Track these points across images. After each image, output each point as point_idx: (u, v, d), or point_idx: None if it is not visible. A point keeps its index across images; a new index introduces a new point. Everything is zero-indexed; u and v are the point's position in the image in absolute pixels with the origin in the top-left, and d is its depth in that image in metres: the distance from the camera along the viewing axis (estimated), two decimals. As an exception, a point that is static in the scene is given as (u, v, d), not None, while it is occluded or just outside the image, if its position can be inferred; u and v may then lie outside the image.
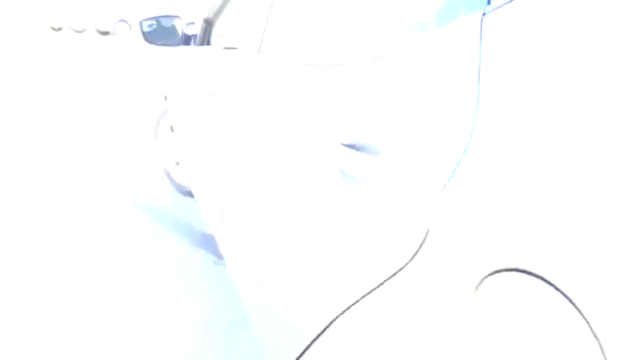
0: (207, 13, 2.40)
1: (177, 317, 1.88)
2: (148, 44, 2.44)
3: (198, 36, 2.48)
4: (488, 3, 0.61)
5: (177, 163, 3.21)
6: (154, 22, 2.40)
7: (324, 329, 0.78)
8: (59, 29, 19.39)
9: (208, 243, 2.42)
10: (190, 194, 2.92)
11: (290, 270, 1.01)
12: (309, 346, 0.83)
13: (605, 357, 0.38)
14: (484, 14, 0.59)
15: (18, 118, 5.19)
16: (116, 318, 1.86)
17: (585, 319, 0.39)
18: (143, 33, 2.38)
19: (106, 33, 15.59)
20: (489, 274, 0.49)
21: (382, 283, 0.65)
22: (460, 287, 0.52)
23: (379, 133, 0.71)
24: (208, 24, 2.40)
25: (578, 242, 0.41)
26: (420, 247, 0.59)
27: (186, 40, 2.51)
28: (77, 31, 18.34)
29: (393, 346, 0.62)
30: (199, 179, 2.12)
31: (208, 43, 2.41)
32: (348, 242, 0.77)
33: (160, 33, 2.41)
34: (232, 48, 1.90)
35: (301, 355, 0.86)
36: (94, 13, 15.88)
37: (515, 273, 0.46)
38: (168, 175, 3.34)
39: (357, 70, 0.83)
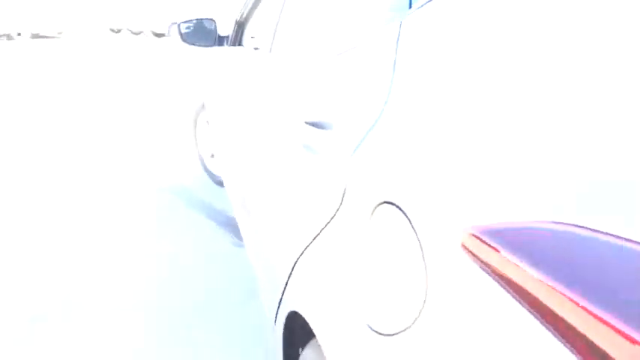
0: (239, 16, 2.63)
1: (200, 285, 2.12)
2: (186, 45, 2.69)
3: (230, 37, 2.72)
4: (410, 7, 0.78)
5: (212, 156, 3.47)
6: (191, 24, 2.65)
7: (292, 268, 0.97)
8: (118, 31, 20.51)
9: (232, 225, 2.68)
10: (221, 184, 3.17)
11: (278, 234, 1.20)
12: (287, 283, 1.02)
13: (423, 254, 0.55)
14: (405, 16, 0.76)
15: (83, 110, 5.67)
16: (154, 276, 2.12)
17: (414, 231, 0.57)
18: (181, 34, 2.64)
19: (160, 35, 16.37)
20: (378, 205, 0.66)
21: (323, 228, 0.83)
22: (362, 217, 0.70)
23: (330, 112, 0.89)
24: (240, 26, 2.63)
25: (425, 183, 0.57)
26: (343, 198, 0.77)
27: (220, 41, 2.75)
28: (134, 33, 19.35)
29: (333, 273, 0.80)
30: (227, 171, 2.35)
31: (240, 44, 2.63)
32: (302, 202, 0.96)
33: (197, 34, 2.66)
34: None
35: (283, 294, 1.05)
36: (150, 17, 16.79)
37: (388, 205, 0.63)
38: (204, 166, 3.61)
39: (322, 64, 1.02)
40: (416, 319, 0.56)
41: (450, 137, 0.57)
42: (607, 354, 0.36)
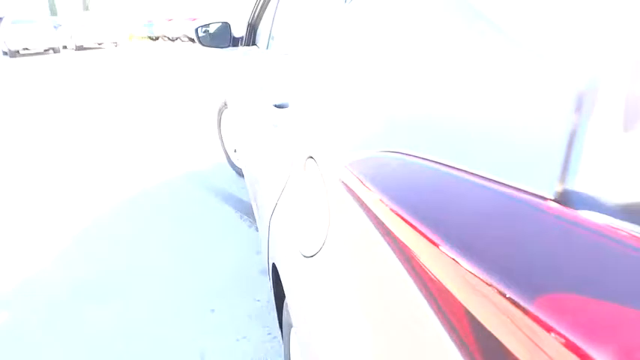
0: (250, 18, 2.84)
1: (222, 261, 2.35)
2: (203, 47, 2.94)
3: (244, 38, 2.93)
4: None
5: (235, 151, 3.71)
6: (207, 28, 2.89)
7: (269, 227, 1.17)
8: (156, 38, 21.33)
9: (250, 212, 2.91)
10: (242, 175, 3.41)
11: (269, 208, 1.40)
12: (268, 240, 1.22)
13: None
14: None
15: (123, 107, 6.09)
16: (182, 251, 2.37)
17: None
18: (198, 38, 2.88)
19: (193, 40, 16.98)
20: (306, 160, 0.85)
21: (284, 188, 1.03)
22: (300, 173, 0.88)
23: (286, 96, 1.08)
24: (252, 27, 2.85)
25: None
26: (293, 161, 0.96)
27: (235, 42, 2.98)
28: (170, 39, 20.08)
29: (287, 223, 0.99)
30: (244, 164, 2.57)
31: (254, 44, 2.85)
32: (273, 171, 1.15)
33: (212, 37, 2.90)
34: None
35: (268, 250, 1.25)
36: (185, 27, 17.54)
37: (310, 159, 0.82)
38: (228, 159, 3.86)
39: (290, 57, 1.22)
40: (324, 243, 0.74)
41: (336, 111, 0.75)
42: (428, 269, 0.43)
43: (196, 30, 2.87)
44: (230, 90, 2.99)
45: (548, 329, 0.32)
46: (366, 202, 0.60)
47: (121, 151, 4.53)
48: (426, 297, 0.44)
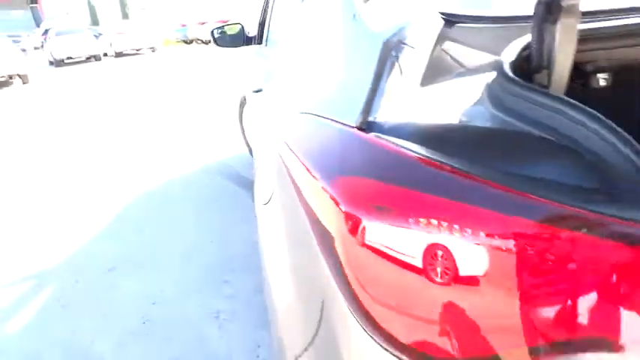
0: (260, 17, 3.09)
1: (235, 238, 2.62)
2: (219, 47, 3.21)
3: (256, 37, 3.19)
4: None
5: (255, 141, 4.00)
6: (222, 29, 3.16)
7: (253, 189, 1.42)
8: (190, 42, 22.07)
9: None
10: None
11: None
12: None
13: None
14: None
15: (158, 104, 6.52)
16: (205, 235, 2.66)
17: None
18: (215, 39, 3.15)
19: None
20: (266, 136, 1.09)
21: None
22: (264, 149, 1.12)
23: (260, 82, 1.32)
24: (261, 27, 3.10)
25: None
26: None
27: (248, 41, 3.23)
28: (204, 42, 20.74)
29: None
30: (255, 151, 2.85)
31: (261, 42, 3.10)
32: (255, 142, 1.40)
33: (227, 38, 3.16)
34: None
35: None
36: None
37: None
38: (248, 147, 4.15)
39: (271, 50, 1.45)
40: (271, 196, 0.97)
41: (285, 89, 0.98)
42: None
43: (212, 32, 3.15)
44: (245, 84, 3.26)
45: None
46: (283, 147, 0.83)
47: (160, 137, 4.91)
48: (307, 213, 0.67)
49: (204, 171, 3.97)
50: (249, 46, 3.23)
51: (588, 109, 0.44)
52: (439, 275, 0.45)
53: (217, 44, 3.17)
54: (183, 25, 23.65)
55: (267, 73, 1.34)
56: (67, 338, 2.00)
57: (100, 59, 18.69)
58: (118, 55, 19.67)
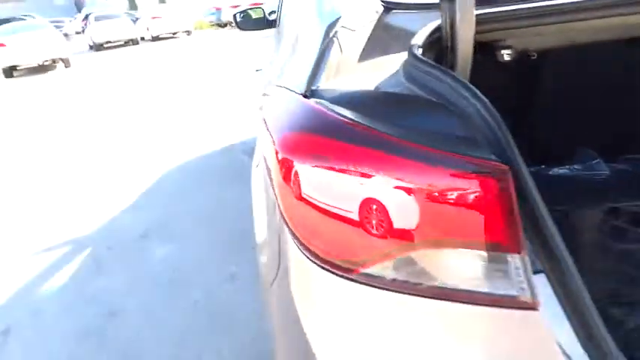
0: (281, 0, 3.21)
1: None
2: (242, 31, 3.34)
3: (277, 20, 3.31)
4: None
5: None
6: (245, 13, 3.29)
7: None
8: (224, 25, 22.37)
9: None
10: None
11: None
12: None
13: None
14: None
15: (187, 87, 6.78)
16: (224, 209, 2.86)
17: None
18: (237, 23, 3.28)
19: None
20: (259, 110, 1.23)
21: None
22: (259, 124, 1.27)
23: (260, 63, 1.46)
24: (280, 9, 3.22)
25: None
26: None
27: (269, 24, 3.35)
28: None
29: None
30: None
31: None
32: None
33: (250, 21, 3.29)
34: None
35: None
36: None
37: (260, 110, 1.20)
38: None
39: (276, 31, 1.59)
40: (259, 163, 1.12)
41: (271, 67, 1.12)
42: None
43: (234, 16, 3.27)
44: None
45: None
46: (261, 114, 0.98)
47: (195, 116, 5.21)
48: (266, 167, 0.81)
49: (229, 150, 4.16)
50: (271, 29, 3.37)
51: (462, 79, 0.56)
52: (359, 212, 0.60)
53: (240, 28, 3.30)
54: (218, 9, 23.92)
55: (269, 53, 1.48)
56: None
57: (137, 43, 19.22)
58: (155, 38, 20.15)
